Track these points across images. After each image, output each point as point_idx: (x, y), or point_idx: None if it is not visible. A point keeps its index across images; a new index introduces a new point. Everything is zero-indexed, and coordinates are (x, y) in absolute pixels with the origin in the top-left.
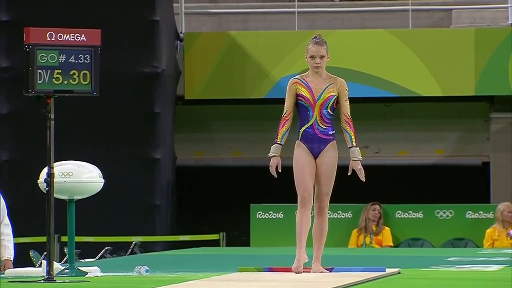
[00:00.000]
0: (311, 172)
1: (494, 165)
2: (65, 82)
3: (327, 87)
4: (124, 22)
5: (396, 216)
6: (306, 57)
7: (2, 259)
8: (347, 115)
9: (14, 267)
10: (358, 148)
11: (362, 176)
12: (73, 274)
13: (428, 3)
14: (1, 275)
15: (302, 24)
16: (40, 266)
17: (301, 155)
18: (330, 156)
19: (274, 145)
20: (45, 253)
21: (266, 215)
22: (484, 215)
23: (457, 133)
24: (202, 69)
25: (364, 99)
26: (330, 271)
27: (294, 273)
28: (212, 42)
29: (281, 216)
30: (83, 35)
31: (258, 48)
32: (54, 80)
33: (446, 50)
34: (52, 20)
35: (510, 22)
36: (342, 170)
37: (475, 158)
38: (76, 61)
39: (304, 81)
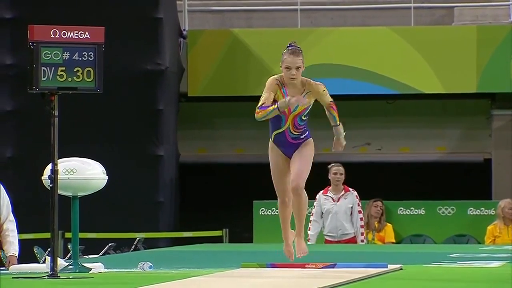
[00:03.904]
0: (287, 172)
1: (496, 162)
2: (69, 79)
3: (303, 97)
4: (127, 19)
5: (398, 213)
6: (281, 67)
7: (7, 255)
8: (330, 102)
9: (19, 263)
10: (341, 126)
11: (339, 148)
12: (77, 270)
13: (430, 0)
14: (6, 271)
15: (304, 21)
16: (44, 262)
17: (275, 158)
18: (305, 148)
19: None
20: (49, 249)
21: (269, 212)
22: (486, 212)
23: (458, 130)
24: (205, 67)
25: (366, 96)
26: (333, 267)
27: (287, 256)
28: (215, 40)
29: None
30: (87, 33)
31: (261, 46)
32: (58, 77)
33: (448, 47)
34: (56, 18)
35: (511, 19)
36: (345, 168)
37: (476, 155)
38: (80, 59)
39: (283, 86)
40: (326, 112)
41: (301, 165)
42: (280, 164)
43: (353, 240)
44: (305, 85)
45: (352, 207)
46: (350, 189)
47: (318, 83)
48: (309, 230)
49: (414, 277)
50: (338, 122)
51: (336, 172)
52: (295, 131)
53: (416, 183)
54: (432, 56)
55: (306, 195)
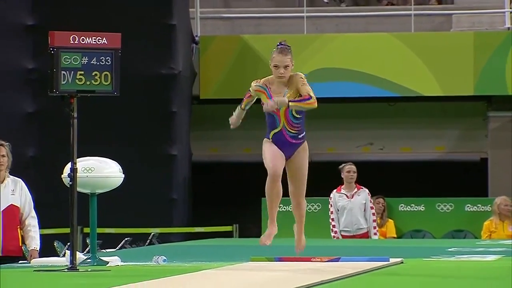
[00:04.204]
0: (282, 157)
1: (492, 161)
2: (88, 82)
3: (285, 92)
4: (143, 26)
5: (399, 209)
6: (270, 64)
7: (29, 249)
8: (306, 94)
9: (40, 257)
10: (286, 100)
11: (269, 108)
12: (95, 264)
13: (429, 8)
14: (28, 264)
15: (310, 28)
16: (64, 256)
17: (271, 144)
18: (302, 158)
19: (237, 108)
20: (68, 243)
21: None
22: (482, 208)
23: (456, 131)
24: (216, 71)
25: (369, 99)
26: (337, 261)
27: (260, 244)
28: (226, 45)
29: (290, 209)
30: (104, 39)
31: (269, 51)
32: (77, 80)
33: (447, 52)
34: (75, 24)
35: (507, 26)
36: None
37: (473, 155)
38: (98, 63)
39: (267, 89)
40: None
41: (301, 187)
42: (275, 148)
43: (366, 235)
44: (288, 79)
45: (365, 204)
46: (362, 186)
47: (297, 73)
48: (333, 227)
49: (414, 270)
50: (292, 103)
51: (350, 170)
52: (292, 129)
53: (416, 181)
54: (432, 61)
55: (305, 202)
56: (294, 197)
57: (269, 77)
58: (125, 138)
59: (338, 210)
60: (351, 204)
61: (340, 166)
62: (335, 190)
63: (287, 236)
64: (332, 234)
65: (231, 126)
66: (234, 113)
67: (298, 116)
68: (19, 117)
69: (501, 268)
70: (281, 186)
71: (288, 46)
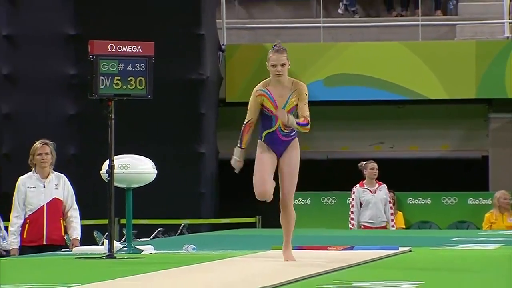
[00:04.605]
0: (271, 172)
1: (492, 158)
2: (124, 87)
3: (289, 96)
4: (174, 35)
5: (408, 202)
6: (267, 66)
7: (71, 238)
8: (306, 116)
9: (81, 246)
10: (294, 123)
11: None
12: (131, 252)
13: (435, 18)
14: (70, 252)
15: (326, 37)
16: (102, 244)
17: (262, 155)
18: (293, 156)
19: (237, 148)
20: (106, 233)
21: (296, 201)
22: (484, 202)
23: (460, 131)
24: (240, 76)
25: (380, 102)
26: (351, 249)
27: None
28: (249, 53)
29: (308, 202)
30: (139, 47)
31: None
32: (114, 85)
33: (451, 59)
34: (112, 34)
35: (506, 35)
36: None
37: (475, 153)
38: (133, 69)
39: (268, 92)
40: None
41: (291, 184)
42: (267, 161)
43: (385, 227)
44: (291, 84)
45: (385, 198)
46: (382, 182)
47: (303, 84)
48: (352, 220)
49: (421, 257)
50: (295, 124)
51: (373, 167)
52: (285, 129)
53: (423, 177)
54: (437, 67)
55: (294, 212)
56: (282, 201)
57: (266, 80)
58: (157, 138)
59: (361, 204)
60: (375, 199)
61: (361, 164)
62: (358, 185)
63: (305, 227)
64: (350, 226)
65: (236, 171)
66: (234, 155)
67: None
68: (62, 119)
69: (501, 256)
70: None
71: (284, 48)
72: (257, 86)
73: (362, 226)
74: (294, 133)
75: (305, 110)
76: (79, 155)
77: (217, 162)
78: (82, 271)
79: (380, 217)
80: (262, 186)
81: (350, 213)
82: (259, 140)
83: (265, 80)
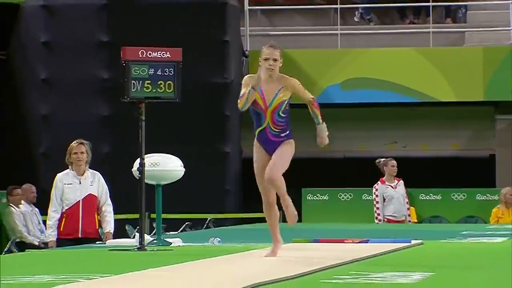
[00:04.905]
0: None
1: (499, 157)
2: (154, 90)
3: (278, 91)
4: (201, 42)
5: (420, 198)
6: (260, 60)
7: (105, 232)
8: (311, 98)
9: (114, 238)
10: (324, 124)
11: (324, 143)
12: (160, 244)
13: (445, 26)
14: (104, 245)
15: (343, 43)
16: (134, 237)
17: (258, 155)
18: (283, 147)
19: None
20: (138, 227)
21: (315, 197)
22: (491, 197)
23: (468, 131)
24: None
25: (393, 104)
26: (367, 242)
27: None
28: None
29: (326, 198)
30: (168, 53)
31: (308, 63)
32: (144, 89)
33: (460, 64)
34: (143, 41)
35: (511, 41)
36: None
37: (483, 152)
38: (162, 74)
39: (258, 85)
40: (310, 111)
41: (276, 158)
42: (262, 162)
43: (404, 220)
44: (281, 80)
45: (403, 193)
46: (399, 179)
47: (293, 78)
48: (378, 215)
49: (432, 250)
50: (321, 121)
51: (393, 165)
52: (275, 128)
53: (434, 174)
54: (447, 71)
55: (282, 179)
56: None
57: (253, 75)
58: (185, 138)
59: (384, 200)
60: (397, 194)
61: (379, 160)
62: (379, 182)
63: (323, 221)
64: (376, 221)
65: (242, 108)
66: (246, 96)
67: (283, 115)
68: (96, 120)
69: (507, 248)
70: (276, 209)
71: (278, 45)
72: (247, 75)
73: (386, 220)
74: (285, 134)
75: (306, 93)
76: (112, 154)
77: (241, 161)
78: (115, 262)
79: (402, 211)
80: (261, 177)
81: (375, 209)
82: (255, 139)
83: (251, 76)
